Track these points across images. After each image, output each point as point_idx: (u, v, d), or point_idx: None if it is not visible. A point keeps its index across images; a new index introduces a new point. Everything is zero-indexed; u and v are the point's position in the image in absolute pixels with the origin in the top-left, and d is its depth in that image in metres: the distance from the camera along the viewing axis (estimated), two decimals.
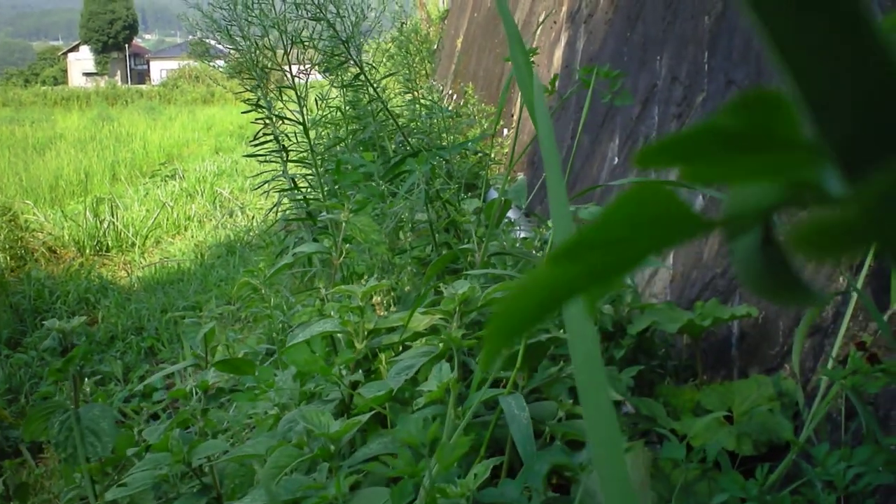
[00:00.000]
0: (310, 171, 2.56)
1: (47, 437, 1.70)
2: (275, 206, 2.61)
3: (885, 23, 0.23)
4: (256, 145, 2.56)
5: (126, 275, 7.15)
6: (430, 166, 2.01)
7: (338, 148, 3.36)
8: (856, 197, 0.15)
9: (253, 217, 8.41)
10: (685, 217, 0.16)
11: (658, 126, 2.54)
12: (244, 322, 4.17)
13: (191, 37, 2.94)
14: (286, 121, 2.52)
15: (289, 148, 2.55)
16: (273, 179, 2.58)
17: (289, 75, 2.51)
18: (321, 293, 1.98)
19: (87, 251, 7.72)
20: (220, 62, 2.94)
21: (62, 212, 8.78)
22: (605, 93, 1.52)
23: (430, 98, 3.64)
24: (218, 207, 9.27)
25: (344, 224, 1.94)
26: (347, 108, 3.48)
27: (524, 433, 1.17)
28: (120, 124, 18.93)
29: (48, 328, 1.80)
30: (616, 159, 2.92)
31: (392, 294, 2.08)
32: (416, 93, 3.53)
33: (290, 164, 2.57)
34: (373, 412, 1.40)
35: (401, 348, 1.65)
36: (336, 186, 2.56)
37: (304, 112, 2.50)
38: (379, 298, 2.02)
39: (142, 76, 57.89)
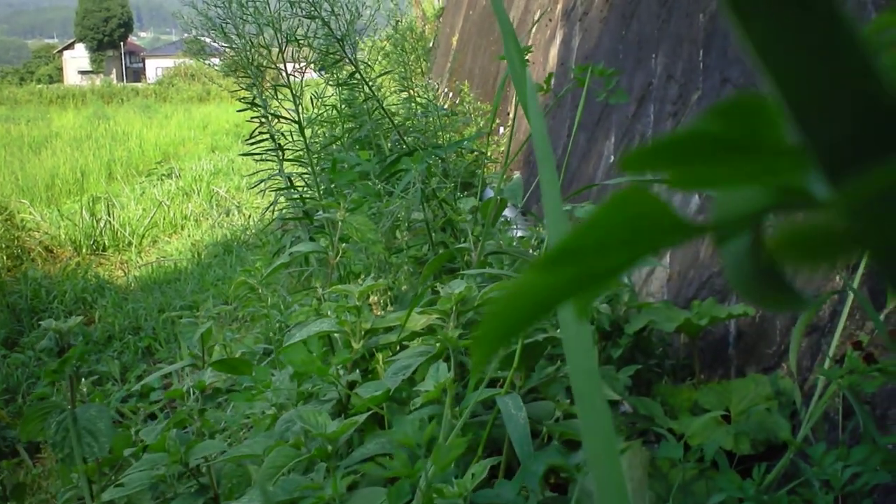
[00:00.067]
0: (306, 170, 2.55)
1: (44, 437, 1.69)
2: (271, 204, 2.60)
3: (876, 23, 0.23)
4: (252, 144, 2.55)
5: (123, 274, 7.14)
6: (426, 165, 2.01)
7: (334, 147, 3.35)
8: (837, 201, 0.14)
9: (249, 216, 8.39)
10: (673, 222, 0.16)
11: (654, 124, 2.54)
12: (241, 321, 4.17)
13: (186, 35, 2.93)
14: (282, 119, 2.51)
15: (285, 146, 2.54)
16: (269, 178, 2.58)
17: (284, 74, 2.50)
18: (318, 292, 1.97)
19: (84, 250, 7.71)
20: (216, 60, 2.92)
21: (58, 211, 8.77)
22: (600, 91, 1.52)
23: (425, 96, 3.63)
24: (214, 206, 9.26)
25: (340, 223, 1.94)
26: (343, 106, 3.48)
27: (521, 433, 1.17)
28: (116, 123, 18.90)
29: (45, 328, 1.80)
30: (612, 157, 2.92)
31: (389, 293, 2.07)
32: (411, 91, 3.53)
33: (286, 163, 2.56)
34: (370, 412, 1.40)
35: (398, 348, 1.65)
36: (332, 185, 2.56)
37: (300, 110, 2.49)
38: (376, 298, 2.02)
39: (137, 74, 57.77)
